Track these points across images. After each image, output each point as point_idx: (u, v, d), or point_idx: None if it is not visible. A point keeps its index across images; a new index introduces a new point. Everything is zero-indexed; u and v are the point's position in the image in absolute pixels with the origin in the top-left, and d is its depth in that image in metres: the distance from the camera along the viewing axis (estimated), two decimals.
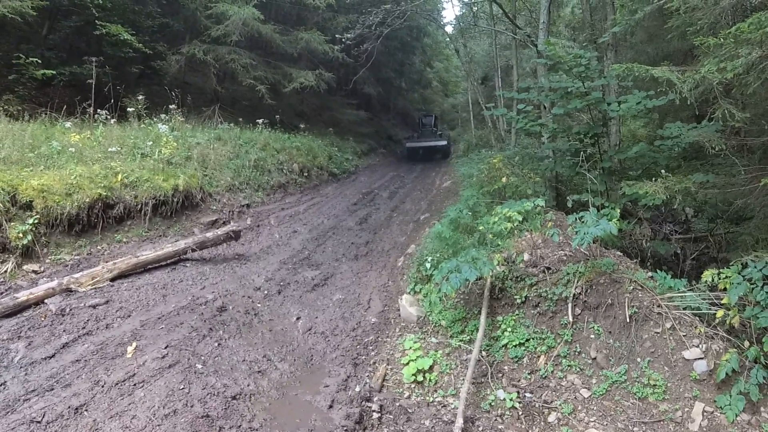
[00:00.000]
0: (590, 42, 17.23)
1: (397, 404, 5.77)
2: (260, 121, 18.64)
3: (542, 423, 5.37)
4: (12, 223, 8.10)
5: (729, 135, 7.37)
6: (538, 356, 6.10)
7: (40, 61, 13.85)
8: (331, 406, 5.44)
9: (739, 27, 5.19)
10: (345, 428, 5.04)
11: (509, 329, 6.49)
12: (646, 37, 12.72)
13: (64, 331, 6.31)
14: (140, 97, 14.39)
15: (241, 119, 19.09)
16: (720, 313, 5.07)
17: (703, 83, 5.97)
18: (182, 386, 5.25)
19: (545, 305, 6.49)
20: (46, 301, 7.01)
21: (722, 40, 5.47)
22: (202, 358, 5.90)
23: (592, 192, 7.84)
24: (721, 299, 5.12)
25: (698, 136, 7.33)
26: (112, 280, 7.88)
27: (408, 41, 40.08)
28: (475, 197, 10.08)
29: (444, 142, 33.41)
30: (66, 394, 5.04)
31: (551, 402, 5.55)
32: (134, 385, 5.23)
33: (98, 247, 9.16)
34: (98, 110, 12.89)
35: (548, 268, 7.02)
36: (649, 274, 6.45)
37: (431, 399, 5.92)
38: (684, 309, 5.61)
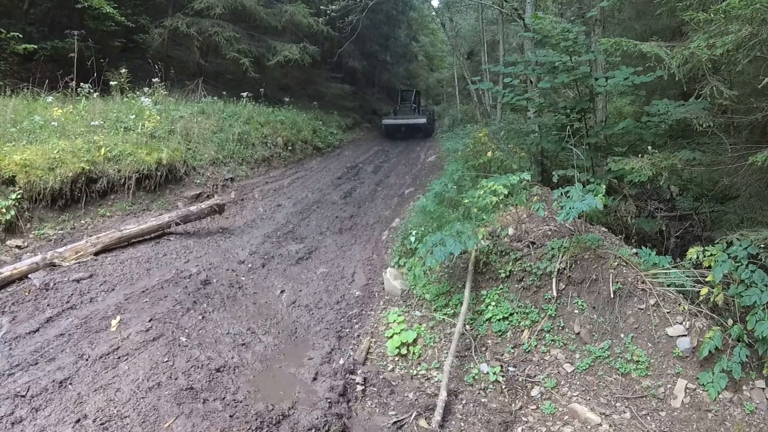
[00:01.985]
0: (578, 17, 17.21)
1: (381, 377, 5.79)
2: (244, 94, 18.48)
3: (525, 397, 5.40)
4: None
5: (716, 113, 7.37)
6: (522, 330, 6.13)
7: (21, 36, 13.63)
8: (315, 379, 5.45)
9: (730, 3, 5.15)
10: (329, 400, 5.05)
11: (493, 303, 6.52)
12: (634, 13, 12.65)
13: (48, 305, 6.28)
14: (123, 71, 14.23)
15: (224, 93, 18.91)
16: (704, 290, 5.11)
17: (691, 60, 5.94)
18: (166, 359, 5.24)
19: (529, 280, 6.51)
20: (29, 275, 6.96)
21: (712, 15, 5.43)
22: (186, 331, 5.88)
23: (577, 167, 7.85)
24: (706, 277, 5.16)
25: (686, 113, 7.33)
26: (96, 254, 7.83)
27: (393, 14, 39.65)
28: (460, 171, 10.06)
29: (424, 120, 31.21)
30: (50, 368, 5.02)
31: (534, 376, 5.59)
32: (118, 358, 5.21)
33: (82, 222, 9.09)
34: (81, 84, 12.72)
35: (533, 243, 7.04)
36: (634, 250, 6.48)
37: (415, 372, 5.94)
38: (668, 286, 5.65)
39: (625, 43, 6.59)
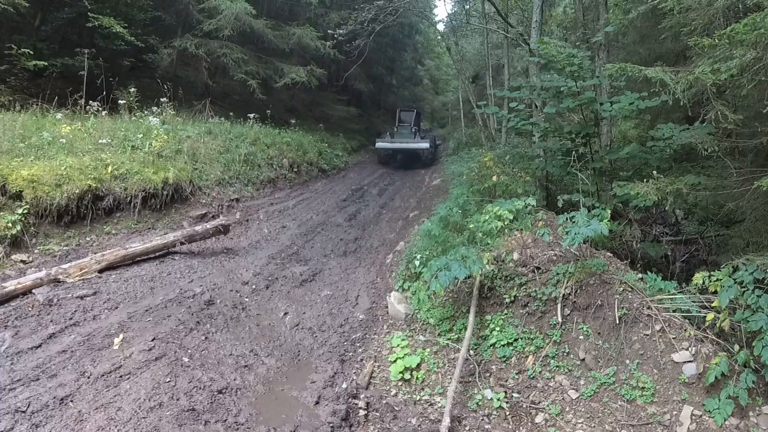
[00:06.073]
0: (582, 42, 17.29)
1: (384, 402, 5.75)
2: (251, 115, 18.55)
3: (529, 423, 5.36)
4: (1, 213, 8.06)
5: (721, 137, 7.36)
6: (527, 356, 6.10)
7: (32, 52, 13.75)
8: (317, 403, 5.42)
9: (734, 28, 5.18)
10: (331, 425, 5.02)
11: (498, 328, 6.49)
12: (638, 38, 12.71)
13: (51, 321, 6.26)
14: (132, 90, 14.30)
15: (231, 114, 18.98)
16: (710, 316, 5.09)
17: (696, 84, 5.97)
18: (168, 379, 5.22)
19: (534, 305, 6.49)
20: (33, 291, 6.94)
21: (717, 40, 5.46)
22: (189, 351, 5.86)
23: (582, 192, 7.83)
24: (712, 302, 5.14)
25: (691, 138, 7.33)
26: (101, 271, 7.82)
27: (399, 38, 39.79)
28: (465, 195, 10.06)
29: (426, 145, 26.56)
30: (52, 384, 5.01)
31: (539, 402, 5.55)
32: (120, 377, 5.19)
33: (87, 239, 9.10)
34: (89, 102, 12.80)
35: (538, 268, 7.02)
36: (639, 275, 6.44)
37: (418, 397, 5.91)
38: (674, 311, 5.61)
39: (630, 68, 6.61)
